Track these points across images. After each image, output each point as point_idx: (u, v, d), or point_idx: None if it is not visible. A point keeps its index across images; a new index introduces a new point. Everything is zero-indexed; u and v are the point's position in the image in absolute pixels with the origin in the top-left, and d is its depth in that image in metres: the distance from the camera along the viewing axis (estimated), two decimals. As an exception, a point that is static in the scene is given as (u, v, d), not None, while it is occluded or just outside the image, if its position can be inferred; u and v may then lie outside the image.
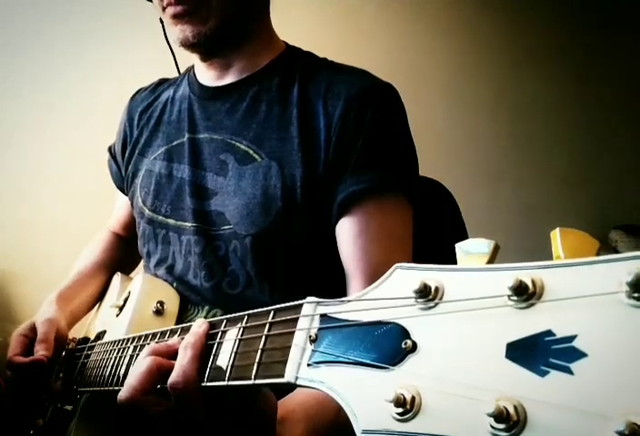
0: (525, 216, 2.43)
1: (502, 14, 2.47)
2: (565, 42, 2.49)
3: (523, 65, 2.47)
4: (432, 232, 1.01)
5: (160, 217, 0.94)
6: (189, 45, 0.88)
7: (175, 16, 0.85)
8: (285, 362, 0.40)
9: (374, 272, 0.80)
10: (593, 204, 2.48)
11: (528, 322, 0.27)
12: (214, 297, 0.87)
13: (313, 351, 0.38)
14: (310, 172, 0.83)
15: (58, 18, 1.96)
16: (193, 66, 1.02)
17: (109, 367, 0.73)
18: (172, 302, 0.88)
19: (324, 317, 0.38)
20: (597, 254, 0.29)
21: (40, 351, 0.86)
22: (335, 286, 0.84)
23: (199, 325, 0.55)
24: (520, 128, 2.48)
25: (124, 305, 0.90)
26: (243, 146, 0.88)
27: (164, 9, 0.87)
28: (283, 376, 0.40)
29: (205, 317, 0.86)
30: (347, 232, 0.83)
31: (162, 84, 1.09)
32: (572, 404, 0.24)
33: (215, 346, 0.52)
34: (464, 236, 1.17)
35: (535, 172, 2.48)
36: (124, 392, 0.54)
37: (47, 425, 0.91)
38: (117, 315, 0.91)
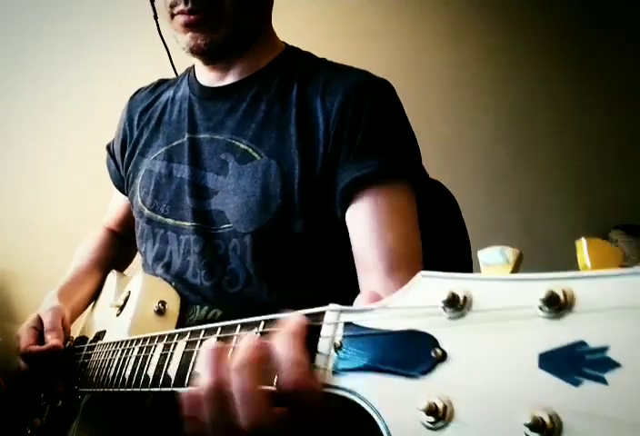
0: (525, 216, 2.44)
1: (501, 15, 2.47)
2: (565, 42, 2.50)
3: (522, 65, 2.48)
4: (432, 231, 1.01)
5: (159, 217, 0.94)
6: (199, 53, 0.88)
7: (187, 25, 0.85)
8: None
9: (392, 259, 0.79)
10: (593, 204, 2.48)
11: (560, 333, 0.27)
12: (214, 296, 0.87)
13: (338, 358, 0.38)
14: (308, 169, 0.83)
15: (58, 18, 1.96)
16: (193, 67, 1.02)
17: (113, 368, 0.73)
18: (173, 301, 0.88)
19: (348, 325, 0.38)
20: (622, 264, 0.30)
21: (52, 340, 0.86)
22: (334, 283, 0.84)
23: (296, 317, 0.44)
24: (520, 128, 2.48)
25: (124, 305, 0.90)
26: (242, 145, 0.88)
27: (172, 16, 0.86)
28: (309, 383, 0.39)
29: (206, 316, 0.86)
30: (358, 219, 0.81)
31: (161, 84, 1.09)
32: (607, 414, 0.25)
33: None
34: (464, 236, 1.17)
35: (534, 172, 2.48)
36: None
37: (45, 425, 0.91)
38: (118, 315, 0.90)
